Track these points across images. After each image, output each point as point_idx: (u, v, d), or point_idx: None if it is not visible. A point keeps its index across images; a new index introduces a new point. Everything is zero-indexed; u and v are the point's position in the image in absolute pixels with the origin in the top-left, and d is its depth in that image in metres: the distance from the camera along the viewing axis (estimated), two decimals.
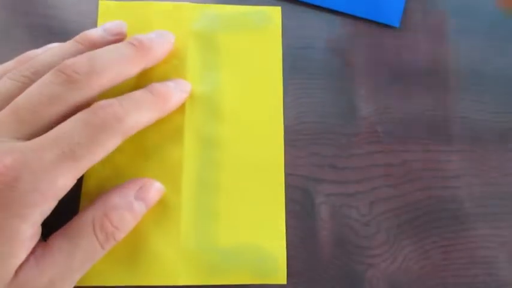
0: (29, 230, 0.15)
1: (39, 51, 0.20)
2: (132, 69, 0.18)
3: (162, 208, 0.19)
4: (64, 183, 0.15)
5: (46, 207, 0.15)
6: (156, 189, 0.19)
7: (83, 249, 0.16)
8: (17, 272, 0.15)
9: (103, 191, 0.18)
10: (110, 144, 0.16)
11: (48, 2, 0.23)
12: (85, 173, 0.20)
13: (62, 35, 0.23)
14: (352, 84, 0.23)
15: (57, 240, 0.16)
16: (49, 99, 0.16)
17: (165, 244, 0.19)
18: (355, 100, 0.22)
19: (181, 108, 0.21)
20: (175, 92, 0.19)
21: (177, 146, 0.20)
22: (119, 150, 0.18)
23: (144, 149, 0.20)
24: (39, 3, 0.23)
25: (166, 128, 0.20)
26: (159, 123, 0.19)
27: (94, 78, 0.17)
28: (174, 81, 0.20)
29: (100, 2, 0.22)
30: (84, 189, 0.19)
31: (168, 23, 0.22)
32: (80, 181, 0.20)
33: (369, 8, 0.23)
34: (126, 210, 0.17)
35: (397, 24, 0.23)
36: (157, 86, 0.19)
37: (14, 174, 0.14)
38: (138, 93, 0.18)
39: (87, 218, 0.16)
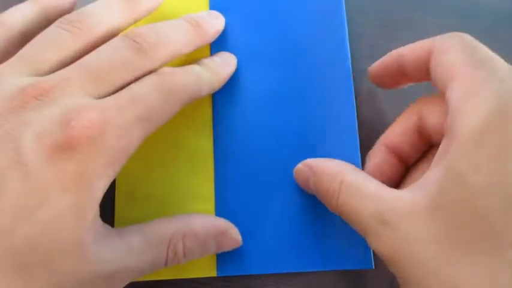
0: (101, 191, 0.15)
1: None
2: (188, 48, 0.19)
3: (196, 200, 0.20)
4: (137, 143, 0.16)
5: (120, 165, 0.15)
6: (233, 241, 0.19)
7: (153, 257, 0.16)
8: (97, 241, 0.14)
9: (135, 184, 0.20)
10: (175, 109, 0.17)
11: None
12: None
13: None
14: None
15: (135, 234, 0.16)
16: (119, 63, 0.16)
17: None
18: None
19: (208, 100, 0.21)
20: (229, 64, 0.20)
21: (207, 138, 0.20)
22: (149, 143, 0.18)
23: (175, 142, 0.20)
24: None
25: (195, 120, 0.21)
26: (189, 115, 0.20)
27: (159, 50, 0.17)
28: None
29: None
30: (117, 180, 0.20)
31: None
32: None
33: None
34: (201, 244, 0.17)
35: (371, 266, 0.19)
36: (210, 65, 0.19)
37: (98, 129, 0.14)
38: (195, 66, 0.19)
39: (168, 230, 0.17)
